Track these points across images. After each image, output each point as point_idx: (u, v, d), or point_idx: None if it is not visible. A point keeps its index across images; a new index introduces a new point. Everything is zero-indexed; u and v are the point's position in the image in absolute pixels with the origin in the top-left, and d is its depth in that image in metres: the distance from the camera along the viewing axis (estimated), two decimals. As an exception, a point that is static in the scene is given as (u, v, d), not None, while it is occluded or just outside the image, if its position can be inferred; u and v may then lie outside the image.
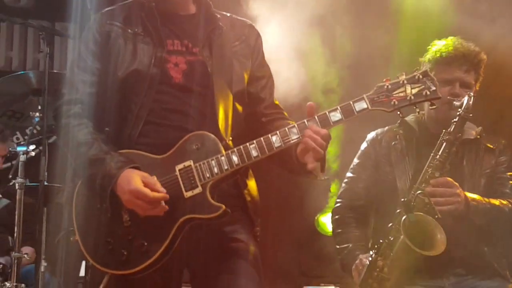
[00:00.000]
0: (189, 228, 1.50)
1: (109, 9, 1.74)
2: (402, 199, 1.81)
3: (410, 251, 1.78)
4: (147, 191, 1.44)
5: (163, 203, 1.47)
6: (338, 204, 2.16)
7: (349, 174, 2.19)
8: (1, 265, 2.89)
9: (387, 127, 2.17)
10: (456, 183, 1.86)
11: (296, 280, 3.22)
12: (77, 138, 1.62)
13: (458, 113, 1.84)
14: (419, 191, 1.81)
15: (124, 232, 1.55)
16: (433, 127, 2.04)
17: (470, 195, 1.87)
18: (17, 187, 2.75)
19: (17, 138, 3.40)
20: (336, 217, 2.15)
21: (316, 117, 1.45)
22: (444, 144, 1.85)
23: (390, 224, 1.82)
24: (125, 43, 1.63)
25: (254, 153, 1.50)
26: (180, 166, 1.51)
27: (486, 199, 1.93)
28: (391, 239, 1.80)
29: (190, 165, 1.51)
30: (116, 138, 1.62)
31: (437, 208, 1.79)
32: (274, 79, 1.78)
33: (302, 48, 2.48)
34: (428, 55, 2.03)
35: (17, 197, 2.74)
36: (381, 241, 1.83)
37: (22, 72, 3.16)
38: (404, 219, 1.75)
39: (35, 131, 2.97)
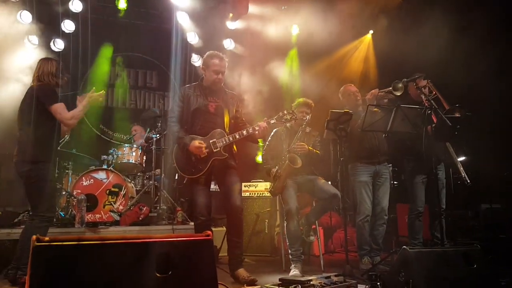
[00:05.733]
0: (215, 161, 3.44)
1: (187, 86, 3.70)
2: (287, 149, 3.96)
3: (288, 166, 3.84)
4: (200, 144, 3.36)
5: (204, 151, 3.35)
6: (264, 153, 4.22)
7: (267, 143, 4.21)
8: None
9: (280, 127, 4.18)
10: (305, 144, 3.95)
11: (248, 177, 5.43)
12: (173, 129, 3.55)
13: (305, 121, 4.01)
14: (292, 146, 3.94)
15: (192, 162, 3.46)
16: (296, 127, 4.07)
17: (310, 147, 3.97)
18: (153, 149, 5.07)
19: (152, 132, 5.48)
20: (263, 157, 4.23)
21: (261, 123, 3.49)
22: (300, 132, 4.00)
23: (283, 157, 3.92)
24: (193, 98, 3.55)
25: (237, 136, 3.47)
26: (211, 140, 3.45)
27: (314, 150, 4.03)
28: (283, 162, 3.88)
29: (215, 140, 3.46)
30: (188, 131, 3.50)
31: (297, 151, 3.91)
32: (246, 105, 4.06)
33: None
34: (296, 103, 4.15)
35: (153, 152, 5.10)
36: (280, 163, 3.90)
37: (154, 109, 5.77)
38: (288, 156, 3.90)
39: (158, 130, 5.34)
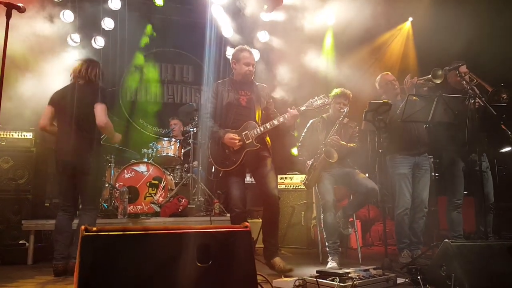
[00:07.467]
0: (248, 152, 3.51)
1: (219, 81, 3.78)
2: (323, 142, 3.93)
3: (324, 159, 3.84)
4: (233, 137, 3.47)
5: (238, 143, 3.45)
6: (299, 144, 4.21)
7: (303, 135, 4.20)
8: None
9: (316, 118, 4.16)
10: (339, 138, 3.91)
11: (284, 169, 5.44)
12: (208, 125, 3.64)
13: (343, 114, 3.92)
14: (328, 140, 3.91)
15: (226, 155, 3.56)
16: (333, 118, 4.01)
17: (343, 142, 3.91)
18: (191, 143, 5.29)
19: (189, 126, 5.76)
20: (298, 149, 4.24)
21: (291, 109, 3.53)
22: (338, 124, 3.92)
23: (319, 150, 3.92)
24: (225, 92, 3.63)
25: (268, 126, 3.53)
26: (244, 132, 3.53)
27: (349, 144, 3.99)
28: (319, 155, 3.90)
29: (247, 132, 3.53)
30: (221, 125, 3.59)
31: (333, 144, 3.89)
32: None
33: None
34: (333, 93, 4.06)
35: (191, 145, 5.34)
36: (316, 156, 3.92)
37: (191, 103, 5.86)
38: (324, 149, 3.88)
39: (195, 123, 5.50)
